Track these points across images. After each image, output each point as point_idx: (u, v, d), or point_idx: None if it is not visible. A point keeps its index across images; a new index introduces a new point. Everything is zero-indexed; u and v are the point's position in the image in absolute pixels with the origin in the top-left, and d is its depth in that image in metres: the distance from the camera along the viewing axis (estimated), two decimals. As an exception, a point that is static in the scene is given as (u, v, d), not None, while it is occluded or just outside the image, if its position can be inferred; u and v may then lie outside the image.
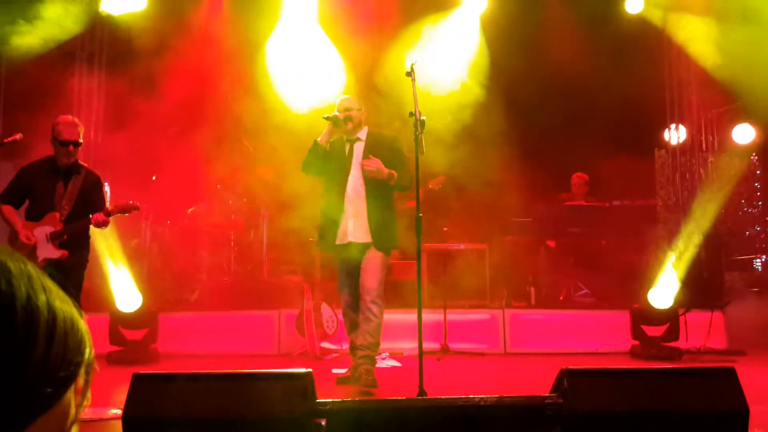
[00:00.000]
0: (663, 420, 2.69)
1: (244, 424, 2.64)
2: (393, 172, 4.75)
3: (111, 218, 4.95)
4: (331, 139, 4.97)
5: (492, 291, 7.45)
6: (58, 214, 4.91)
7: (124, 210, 5.01)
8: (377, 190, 4.85)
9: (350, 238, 4.83)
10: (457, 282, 7.09)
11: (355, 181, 4.90)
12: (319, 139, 4.91)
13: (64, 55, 9.20)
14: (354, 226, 4.83)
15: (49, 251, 4.87)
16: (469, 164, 7.80)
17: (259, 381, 2.71)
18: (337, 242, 4.87)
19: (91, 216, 4.87)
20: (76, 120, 5.08)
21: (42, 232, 4.88)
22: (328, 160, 4.94)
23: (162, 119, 8.19)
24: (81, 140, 5.03)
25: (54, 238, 4.88)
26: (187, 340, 6.74)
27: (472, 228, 8.12)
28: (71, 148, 4.94)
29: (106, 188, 9.69)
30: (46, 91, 8.74)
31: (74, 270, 5.03)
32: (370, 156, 4.78)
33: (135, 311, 6.32)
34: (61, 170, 5.02)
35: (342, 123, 4.87)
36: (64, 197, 4.96)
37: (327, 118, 4.86)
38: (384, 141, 5.01)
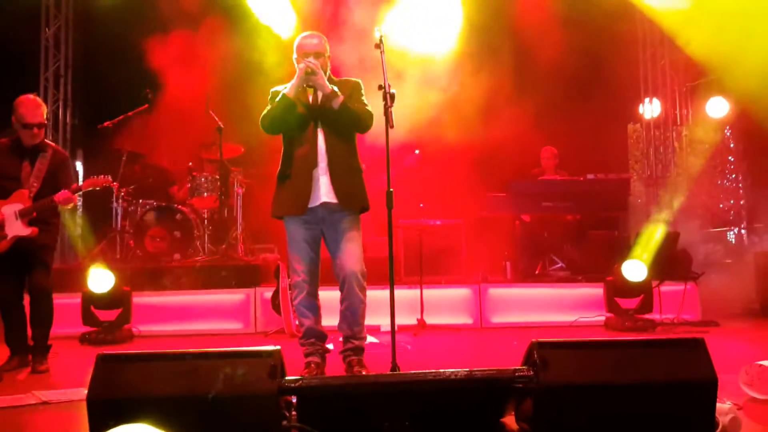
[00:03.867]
0: (632, 391, 2.70)
1: (213, 403, 2.61)
2: (336, 90, 4.17)
3: (77, 195, 4.91)
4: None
5: (468, 266, 7.45)
6: (26, 191, 4.88)
7: (95, 185, 4.95)
8: (350, 142, 4.34)
9: (324, 198, 4.20)
10: (433, 258, 7.08)
11: (326, 133, 4.25)
12: (286, 91, 4.20)
13: (32, 27, 9.06)
14: (327, 184, 4.20)
15: (18, 228, 4.83)
16: (444, 138, 7.78)
17: (226, 359, 2.68)
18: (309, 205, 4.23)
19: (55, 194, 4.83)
20: (38, 100, 5.03)
21: (10, 209, 4.84)
22: (291, 112, 4.25)
23: (133, 97, 8.06)
24: (45, 120, 4.99)
25: (23, 216, 4.84)
26: (161, 319, 6.67)
27: (448, 203, 8.10)
28: (35, 130, 4.91)
29: (79, 168, 9.59)
30: (14, 69, 8.61)
31: (43, 249, 5.00)
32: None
33: (107, 291, 6.22)
34: (26, 149, 4.99)
35: (317, 72, 4.13)
36: (31, 175, 4.93)
37: (307, 69, 4.12)
38: (347, 84, 4.36)
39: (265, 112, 4.31)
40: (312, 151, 4.23)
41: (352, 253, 4.27)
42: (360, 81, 4.42)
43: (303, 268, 4.32)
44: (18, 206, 4.83)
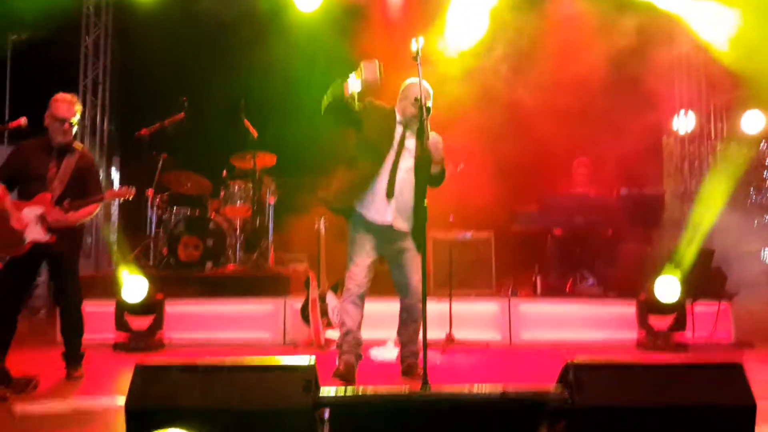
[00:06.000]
0: (669, 414, 2.66)
1: (247, 415, 2.63)
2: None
3: (100, 204, 4.93)
4: (354, 94, 4.37)
5: (498, 280, 7.40)
6: (49, 195, 4.81)
7: (117, 196, 4.99)
8: (422, 183, 4.49)
9: (394, 224, 4.65)
10: (462, 271, 7.05)
11: (405, 169, 4.65)
12: (342, 82, 4.32)
13: (72, 35, 9.24)
14: (398, 211, 4.64)
15: (37, 233, 4.75)
16: (475, 150, 7.75)
17: (261, 372, 2.70)
18: (378, 220, 4.63)
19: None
20: (75, 98, 5.02)
21: (31, 212, 4.75)
22: (370, 129, 4.60)
23: (169, 105, 8.16)
24: (76, 120, 4.95)
25: (44, 222, 4.75)
26: (192, 328, 6.72)
27: (478, 216, 8.06)
28: (66, 125, 4.88)
29: (115, 174, 9.73)
30: (54, 76, 8.77)
31: (66, 257, 4.95)
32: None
33: (141, 299, 6.30)
34: (54, 149, 4.93)
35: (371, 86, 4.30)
36: (56, 177, 4.86)
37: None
38: (436, 147, 4.57)
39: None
40: (390, 183, 4.61)
41: (419, 274, 4.61)
42: (440, 138, 4.81)
43: (360, 272, 4.66)
44: (39, 210, 4.76)
